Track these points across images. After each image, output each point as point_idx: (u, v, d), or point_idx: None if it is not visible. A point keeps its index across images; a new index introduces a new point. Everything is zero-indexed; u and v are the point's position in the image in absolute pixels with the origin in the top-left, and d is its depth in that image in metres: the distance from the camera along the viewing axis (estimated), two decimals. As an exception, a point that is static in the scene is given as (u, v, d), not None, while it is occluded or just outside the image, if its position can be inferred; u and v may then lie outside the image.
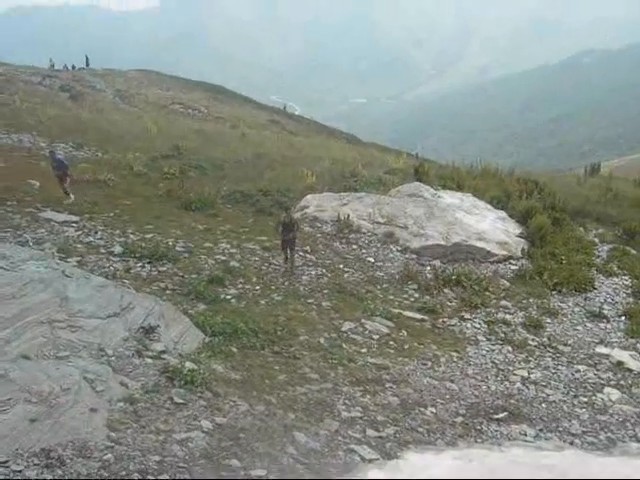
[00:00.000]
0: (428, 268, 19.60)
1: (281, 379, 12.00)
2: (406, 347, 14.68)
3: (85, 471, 8.01)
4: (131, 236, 18.69)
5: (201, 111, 64.50)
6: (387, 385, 12.68)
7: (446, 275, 18.85)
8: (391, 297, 17.45)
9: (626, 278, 19.60)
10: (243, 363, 12.27)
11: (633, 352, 15.38)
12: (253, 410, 10.49)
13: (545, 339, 15.93)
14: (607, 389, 13.64)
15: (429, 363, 14.05)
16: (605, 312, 17.50)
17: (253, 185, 25.60)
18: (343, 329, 14.97)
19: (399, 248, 20.69)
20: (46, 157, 24.59)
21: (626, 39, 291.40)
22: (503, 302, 17.86)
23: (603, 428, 12.01)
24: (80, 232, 18.50)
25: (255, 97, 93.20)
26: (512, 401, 12.70)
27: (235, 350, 12.72)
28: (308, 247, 19.91)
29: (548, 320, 17.01)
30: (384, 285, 18.19)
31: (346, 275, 18.46)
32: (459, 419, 11.78)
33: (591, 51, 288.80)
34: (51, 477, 7.75)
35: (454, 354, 14.66)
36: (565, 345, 15.69)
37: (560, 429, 11.86)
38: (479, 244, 20.63)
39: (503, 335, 15.95)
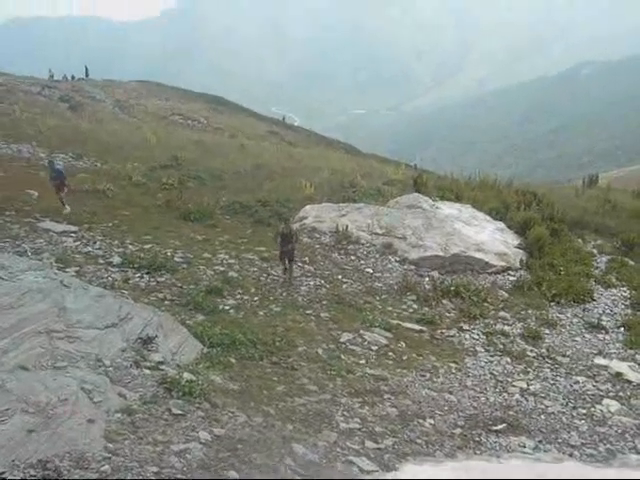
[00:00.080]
0: (427, 279, 19.60)
1: (279, 390, 11.96)
2: (405, 358, 14.65)
3: (82, 482, 7.98)
4: (130, 246, 18.68)
5: (200, 122, 64.62)
6: (385, 396, 12.64)
7: (445, 286, 18.85)
8: (390, 308, 17.44)
9: (624, 289, 19.62)
10: (241, 374, 12.24)
11: (632, 363, 15.37)
12: (251, 421, 10.46)
13: (544, 350, 15.91)
14: (606, 400, 13.60)
15: (428, 374, 14.02)
16: (604, 323, 17.50)
17: (252, 196, 25.63)
18: (342, 340, 14.94)
19: (398, 259, 20.71)
20: (45, 167, 24.61)
21: (625, 51, 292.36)
22: (502, 313, 17.85)
23: (602, 440, 11.97)
24: (79, 242, 18.50)
25: (256, 109, 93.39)
26: (511, 412, 12.66)
27: (233, 361, 12.69)
28: (307, 258, 19.91)
29: (547, 331, 17.00)
30: (383, 296, 18.18)
31: (345, 286, 18.45)
32: (458, 430, 11.74)
33: (590, 63, 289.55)
34: (48, 488, 7.71)
35: (453, 365, 14.63)
36: (564, 356, 15.67)
37: (559, 441, 11.82)
38: (478, 255, 20.64)
39: (502, 346, 15.93)
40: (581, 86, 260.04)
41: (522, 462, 10.73)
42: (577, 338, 16.77)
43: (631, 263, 21.21)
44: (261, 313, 15.69)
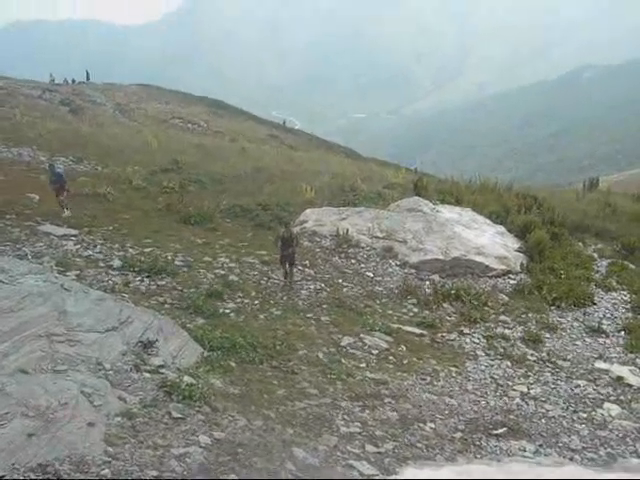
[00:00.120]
0: (427, 283, 19.59)
1: (280, 394, 11.96)
2: (405, 362, 14.64)
3: (82, 486, 7.97)
4: (130, 250, 18.68)
5: (201, 125, 64.75)
6: (386, 400, 12.63)
7: (445, 290, 18.84)
8: (390, 312, 17.43)
9: (625, 293, 19.60)
10: (242, 378, 12.23)
11: (632, 367, 15.34)
12: (251, 425, 10.45)
13: (544, 354, 15.89)
14: (607, 404, 13.58)
15: (428, 378, 14.01)
16: (604, 327, 17.48)
17: (252, 199, 25.63)
18: (342, 344, 14.93)
19: (398, 263, 20.70)
20: (46, 171, 24.64)
21: (626, 55, 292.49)
22: (502, 317, 17.84)
23: (603, 444, 11.95)
24: (79, 246, 18.50)
25: (256, 113, 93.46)
26: (511, 417, 12.65)
27: (234, 365, 12.69)
28: (307, 261, 19.91)
29: (547, 335, 16.98)
30: (383, 300, 18.17)
31: (345, 290, 18.45)
32: (458, 435, 11.73)
33: (590, 67, 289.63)
34: (48, 492, 7.71)
35: (453, 369, 14.62)
36: (564, 360, 15.65)
37: (560, 445, 11.81)
38: (478, 259, 20.63)
39: (502, 350, 15.92)
40: (582, 90, 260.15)
41: (522, 466, 10.71)
42: (578, 342, 16.76)
43: (631, 267, 21.20)
44: (261, 317, 15.69)
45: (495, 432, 11.89)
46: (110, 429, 9.29)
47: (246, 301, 16.47)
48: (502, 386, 14.12)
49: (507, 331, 17.04)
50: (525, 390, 13.99)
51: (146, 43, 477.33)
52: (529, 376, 14.73)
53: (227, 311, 15.59)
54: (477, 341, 16.33)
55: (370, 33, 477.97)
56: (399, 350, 15.19)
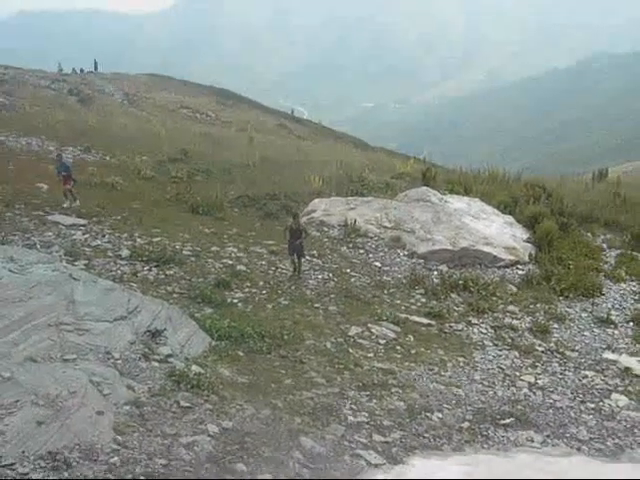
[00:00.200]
0: (435, 273, 19.57)
1: (287, 383, 12.00)
2: (413, 352, 14.65)
3: (91, 474, 8.04)
4: (138, 239, 18.73)
5: (209, 115, 64.60)
6: (393, 390, 12.65)
7: (453, 280, 18.81)
8: (398, 302, 17.43)
9: (634, 284, 19.53)
10: (249, 367, 12.29)
11: (641, 358, 15.32)
12: (259, 414, 10.50)
13: (552, 344, 15.88)
14: (615, 395, 13.58)
15: (436, 368, 14.02)
16: (613, 318, 17.44)
17: (260, 189, 25.61)
18: (350, 334, 14.96)
19: (406, 253, 20.67)
20: (54, 160, 24.68)
21: (637, 43, 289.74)
22: (510, 307, 17.81)
23: (611, 435, 11.95)
24: (87, 235, 18.56)
25: (264, 101, 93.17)
26: (519, 407, 12.65)
27: (241, 354, 12.74)
28: (315, 251, 19.89)
29: (555, 325, 16.96)
30: (391, 290, 18.16)
31: (353, 279, 18.44)
32: (465, 424, 11.75)
33: (601, 55, 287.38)
34: (57, 480, 7.77)
35: (461, 359, 14.63)
36: (572, 351, 15.64)
37: (567, 435, 11.82)
38: (486, 249, 20.58)
39: (510, 340, 15.91)
40: (592, 79, 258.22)
41: (530, 456, 10.73)
42: (586, 332, 16.73)
43: (641, 257, 21.10)
44: (269, 306, 15.72)
45: (502, 422, 11.90)
46: (119, 418, 9.36)
47: (254, 291, 16.51)
48: (510, 376, 14.12)
49: (515, 321, 17.02)
50: (533, 380, 13.99)
51: (154, 32, 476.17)
52: (537, 366, 14.73)
53: (235, 301, 15.64)
54: (485, 331, 16.33)
55: (378, 21, 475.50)
56: (407, 340, 15.21)
